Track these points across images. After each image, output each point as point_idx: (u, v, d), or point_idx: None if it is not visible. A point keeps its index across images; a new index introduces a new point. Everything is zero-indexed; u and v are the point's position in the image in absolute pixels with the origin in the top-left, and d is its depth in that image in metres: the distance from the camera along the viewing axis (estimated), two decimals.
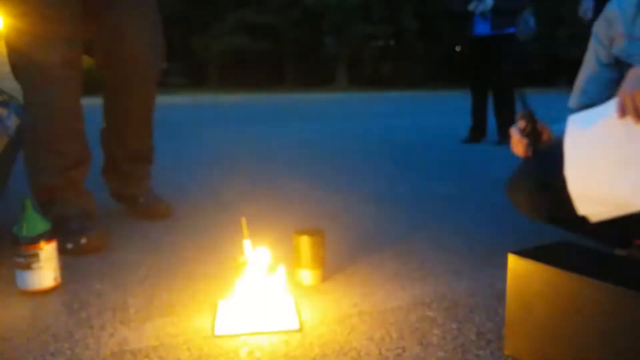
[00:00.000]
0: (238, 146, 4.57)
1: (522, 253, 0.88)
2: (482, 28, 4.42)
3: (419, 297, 1.21)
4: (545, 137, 1.29)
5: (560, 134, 1.23)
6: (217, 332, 1.03)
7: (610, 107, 1.07)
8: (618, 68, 1.40)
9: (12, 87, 1.67)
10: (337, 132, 5.84)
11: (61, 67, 1.60)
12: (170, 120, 6.70)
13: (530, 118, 1.27)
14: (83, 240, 1.54)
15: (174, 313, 1.13)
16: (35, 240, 1.22)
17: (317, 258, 1.28)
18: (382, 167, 3.35)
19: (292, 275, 1.27)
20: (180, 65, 25.37)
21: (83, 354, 0.96)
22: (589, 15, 3.22)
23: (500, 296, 1.19)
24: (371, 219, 1.97)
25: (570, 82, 1.40)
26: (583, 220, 1.15)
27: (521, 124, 1.27)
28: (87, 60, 1.83)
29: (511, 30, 4.36)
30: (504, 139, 4.45)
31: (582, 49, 1.49)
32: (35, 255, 1.22)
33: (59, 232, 1.40)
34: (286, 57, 27.51)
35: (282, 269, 1.13)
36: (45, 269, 1.23)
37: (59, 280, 1.28)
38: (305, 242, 1.27)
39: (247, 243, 1.17)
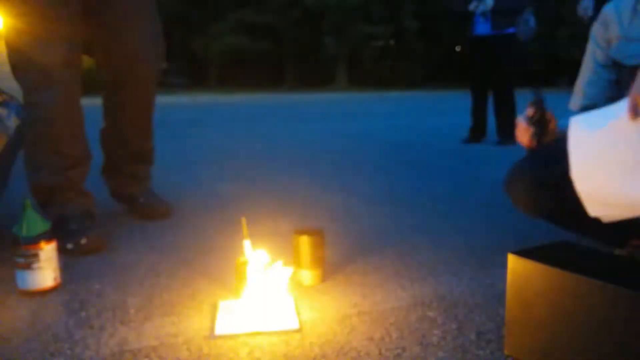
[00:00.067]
0: (238, 146, 4.57)
1: (522, 253, 0.88)
2: (482, 28, 4.42)
3: (419, 297, 1.21)
4: (552, 125, 1.28)
5: (564, 128, 1.22)
6: (217, 332, 1.03)
7: (619, 109, 1.04)
8: (616, 69, 1.41)
9: (12, 87, 1.68)
10: (337, 132, 5.84)
11: (61, 67, 1.60)
12: (170, 120, 6.70)
13: (541, 106, 1.24)
14: (83, 241, 1.54)
15: (174, 313, 1.13)
16: (35, 240, 1.22)
17: (317, 258, 1.28)
18: (382, 167, 3.35)
19: (292, 275, 1.27)
20: (180, 65, 25.36)
21: (83, 354, 0.96)
22: (589, 12, 3.21)
23: (500, 296, 1.19)
24: (371, 219, 1.97)
25: (570, 82, 1.40)
26: (580, 218, 1.15)
27: (530, 111, 1.25)
28: (87, 60, 1.83)
29: (511, 30, 4.36)
30: (504, 139, 4.45)
31: (582, 49, 1.50)
32: (35, 255, 1.22)
33: (59, 232, 1.40)
34: (286, 57, 27.50)
35: (287, 269, 1.12)
36: (45, 269, 1.24)
37: (58, 280, 1.28)
38: (305, 242, 1.27)
39: (247, 243, 1.17)
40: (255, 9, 24.51)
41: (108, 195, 2.04)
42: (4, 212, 1.72)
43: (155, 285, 1.30)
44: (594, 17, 1.65)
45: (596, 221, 1.11)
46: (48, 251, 1.24)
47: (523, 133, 1.28)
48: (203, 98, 15.62)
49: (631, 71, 1.37)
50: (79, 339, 1.01)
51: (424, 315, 1.11)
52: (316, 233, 1.29)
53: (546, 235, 1.61)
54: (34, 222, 1.24)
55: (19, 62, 1.61)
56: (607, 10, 1.41)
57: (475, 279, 1.32)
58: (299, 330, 1.03)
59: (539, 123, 1.26)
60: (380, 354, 0.95)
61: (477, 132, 4.67)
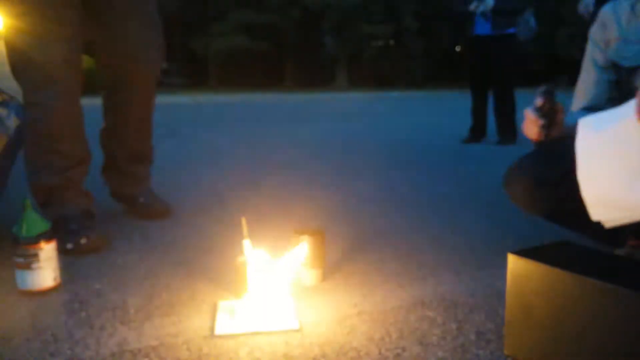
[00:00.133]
0: (238, 146, 4.57)
1: (522, 253, 0.88)
2: (482, 28, 4.42)
3: (418, 297, 1.21)
4: (560, 116, 1.26)
5: (569, 124, 1.21)
6: (217, 332, 1.03)
7: (627, 111, 1.03)
8: (615, 70, 1.41)
9: (12, 87, 1.67)
10: (336, 132, 5.84)
11: (61, 67, 1.60)
12: (170, 120, 6.70)
13: (551, 96, 1.20)
14: (83, 240, 1.54)
15: (174, 313, 1.13)
16: (35, 240, 1.22)
17: (317, 258, 1.28)
18: (382, 167, 3.34)
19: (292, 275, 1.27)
20: (180, 65, 25.38)
21: (83, 354, 0.96)
22: (590, 8, 3.19)
23: (500, 296, 1.19)
24: (371, 219, 1.97)
25: (570, 82, 1.40)
26: (580, 217, 1.15)
27: (539, 101, 1.20)
28: (87, 60, 1.83)
29: (512, 30, 4.36)
30: (504, 139, 4.46)
31: (582, 49, 1.50)
32: (35, 255, 1.22)
33: (58, 232, 1.40)
34: (286, 57, 27.52)
35: (289, 268, 1.12)
36: (45, 269, 1.23)
37: (58, 280, 1.28)
38: (305, 242, 1.27)
39: (247, 243, 1.17)
40: (255, 9, 24.52)
41: (108, 195, 2.04)
42: (4, 212, 1.72)
43: (155, 285, 1.30)
44: (595, 14, 1.65)
45: (594, 222, 1.11)
46: (48, 251, 1.24)
47: (531, 125, 1.23)
48: (203, 98, 15.62)
49: (629, 72, 1.38)
50: (79, 339, 1.01)
51: (423, 315, 1.11)
52: (316, 233, 1.29)
53: (546, 235, 1.60)
54: (34, 222, 1.24)
55: (19, 62, 1.61)
56: (605, 11, 1.42)
57: (475, 279, 1.32)
58: (299, 330, 1.03)
59: (549, 114, 1.20)
60: (380, 353, 0.95)
61: (477, 132, 4.67)
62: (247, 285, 1.11)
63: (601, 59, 1.43)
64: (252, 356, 0.94)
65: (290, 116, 8.79)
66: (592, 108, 1.42)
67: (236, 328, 1.04)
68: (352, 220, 1.95)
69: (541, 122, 1.21)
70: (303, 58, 27.33)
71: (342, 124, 6.96)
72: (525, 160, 1.38)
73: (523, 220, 1.78)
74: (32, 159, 1.69)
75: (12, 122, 1.64)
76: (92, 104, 2.42)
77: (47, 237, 1.25)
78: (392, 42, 27.93)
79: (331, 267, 1.39)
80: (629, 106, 1.02)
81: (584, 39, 1.50)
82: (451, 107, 10.26)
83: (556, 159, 1.29)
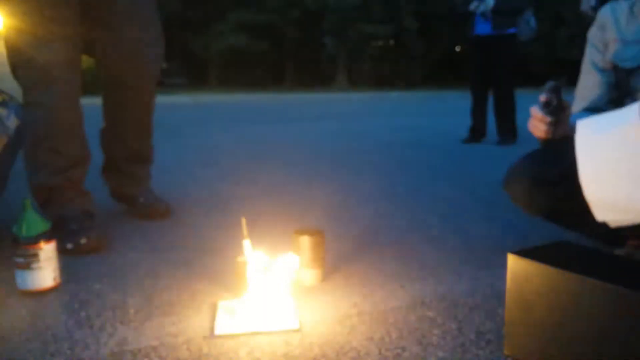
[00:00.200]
0: (238, 146, 4.57)
1: (521, 253, 0.88)
2: (483, 28, 4.42)
3: (418, 297, 1.21)
4: (567, 112, 1.23)
5: (573, 123, 1.21)
6: (217, 332, 1.03)
7: (628, 113, 1.02)
8: (614, 72, 1.41)
9: (12, 87, 1.68)
10: (336, 132, 5.84)
11: (61, 67, 1.60)
12: (170, 120, 6.70)
13: (559, 93, 1.18)
14: (83, 240, 1.54)
15: (174, 313, 1.13)
16: (34, 240, 1.22)
17: (317, 258, 1.28)
18: (382, 167, 3.35)
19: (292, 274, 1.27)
20: (180, 65, 25.38)
21: (83, 354, 0.96)
22: (592, 3, 3.16)
23: (500, 296, 1.19)
24: (371, 219, 1.97)
25: (570, 82, 1.39)
26: (579, 217, 1.15)
27: (546, 98, 1.18)
28: (87, 60, 1.83)
29: (512, 30, 4.36)
30: (504, 139, 4.46)
31: (582, 49, 1.50)
32: (35, 255, 1.22)
33: (58, 232, 1.39)
34: (286, 57, 27.51)
35: (289, 267, 1.12)
36: (45, 269, 1.23)
37: (58, 280, 1.28)
38: (305, 242, 1.27)
39: (246, 243, 1.17)
40: (255, 9, 24.51)
41: (108, 195, 2.04)
42: (4, 212, 1.72)
43: (155, 285, 1.30)
44: (597, 9, 1.64)
45: (594, 220, 1.11)
46: (48, 251, 1.24)
47: (539, 123, 1.22)
48: (203, 98, 15.62)
49: (628, 73, 1.38)
50: (79, 339, 1.01)
51: (423, 315, 1.11)
52: (316, 233, 1.29)
53: (546, 235, 1.61)
54: (34, 222, 1.24)
55: (19, 61, 1.61)
56: (604, 13, 1.42)
57: (475, 279, 1.32)
58: (298, 330, 1.03)
59: (556, 111, 1.18)
60: (380, 353, 0.95)
61: (477, 132, 4.67)
62: (247, 285, 1.11)
63: (600, 61, 1.43)
64: (252, 356, 0.94)
65: (290, 116, 8.79)
66: (593, 109, 1.43)
67: (236, 328, 1.04)
68: (352, 220, 1.95)
69: (549, 119, 1.20)
70: (303, 58, 27.33)
71: (342, 123, 6.96)
72: (525, 160, 1.38)
73: (523, 220, 1.78)
74: (32, 159, 1.69)
75: (12, 122, 1.64)
76: (92, 104, 2.42)
77: (47, 237, 1.25)
78: (392, 42, 27.93)
79: (331, 267, 1.39)
80: (631, 109, 1.02)
81: (584, 39, 1.50)
82: (451, 107, 10.27)
83: (555, 159, 1.29)
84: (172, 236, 1.74)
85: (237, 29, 24.26)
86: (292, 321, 1.06)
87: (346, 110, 10.16)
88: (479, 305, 1.16)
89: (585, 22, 3.13)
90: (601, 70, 1.43)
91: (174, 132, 5.40)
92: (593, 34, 1.45)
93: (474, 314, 1.12)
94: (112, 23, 1.72)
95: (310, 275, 1.28)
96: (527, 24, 4.35)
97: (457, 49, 23.96)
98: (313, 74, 26.88)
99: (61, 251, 1.39)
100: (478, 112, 4.69)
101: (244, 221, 1.18)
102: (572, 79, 1.53)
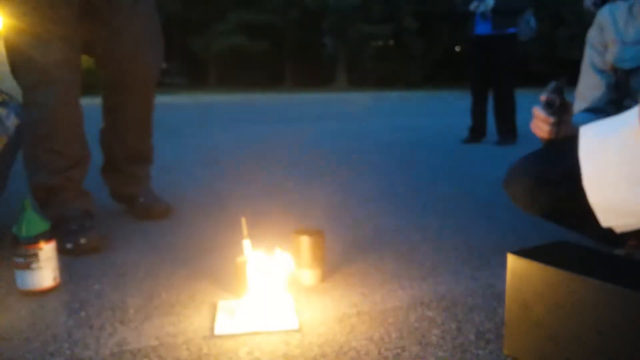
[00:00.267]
0: (238, 146, 4.57)
1: (521, 253, 0.88)
2: (483, 28, 4.42)
3: (418, 297, 1.21)
4: (570, 113, 1.23)
5: (575, 124, 1.20)
6: (217, 332, 1.03)
7: (629, 118, 1.02)
8: (614, 73, 1.41)
9: (12, 87, 1.67)
10: (336, 132, 5.84)
11: (60, 66, 1.60)
12: (170, 120, 6.70)
13: (561, 93, 1.18)
14: (82, 240, 1.54)
15: (174, 313, 1.13)
16: (34, 240, 1.22)
17: (317, 258, 1.28)
18: (382, 167, 3.35)
19: (292, 274, 1.27)
20: (179, 65, 25.39)
21: (82, 354, 0.96)
22: None
23: (500, 296, 1.19)
24: (371, 219, 1.97)
25: (570, 82, 1.39)
26: (579, 217, 1.15)
27: (549, 98, 1.18)
28: (87, 60, 1.83)
29: (512, 30, 4.36)
30: (504, 139, 4.46)
31: (582, 49, 1.50)
32: (35, 255, 1.22)
33: (58, 232, 1.40)
34: (286, 57, 27.52)
35: (287, 266, 1.12)
36: (45, 269, 1.23)
37: (58, 280, 1.28)
38: (305, 242, 1.27)
39: (246, 243, 1.17)
40: (255, 9, 24.52)
41: (108, 195, 2.04)
42: (4, 212, 1.72)
43: (155, 285, 1.30)
44: (599, 5, 1.65)
45: (595, 220, 1.11)
46: (47, 251, 1.24)
47: (541, 124, 1.22)
48: (203, 98, 15.62)
49: (628, 74, 1.38)
50: (79, 339, 1.01)
51: (423, 315, 1.11)
52: (316, 233, 1.29)
53: (546, 235, 1.61)
54: (34, 222, 1.24)
55: (19, 61, 1.61)
56: (602, 14, 1.42)
57: (474, 279, 1.32)
58: (298, 330, 1.03)
59: (559, 111, 1.18)
60: (379, 353, 0.95)
61: (477, 132, 4.67)
62: (247, 285, 1.11)
63: (599, 62, 1.44)
64: (252, 356, 0.94)
65: (290, 116, 8.79)
66: (593, 110, 1.43)
67: (236, 328, 1.04)
68: (352, 220, 1.95)
69: (552, 119, 1.20)
70: (303, 58, 27.32)
71: (342, 124, 6.96)
72: (526, 160, 1.38)
73: (523, 220, 1.78)
74: (31, 159, 1.69)
75: (12, 122, 1.64)
76: (92, 104, 2.42)
77: (47, 237, 1.25)
78: (391, 42, 27.93)
79: (331, 267, 1.39)
80: (631, 114, 1.02)
81: (584, 39, 1.50)
82: (451, 107, 10.27)
83: (558, 158, 1.29)
84: (172, 236, 1.74)
85: (237, 29, 24.28)
86: (291, 321, 1.06)
87: (346, 110, 10.16)
88: (479, 305, 1.16)
89: (585, 21, 3.12)
90: (600, 72, 1.44)
91: (174, 132, 5.40)
92: (592, 35, 1.45)
93: (473, 314, 1.12)
94: (112, 23, 1.72)
95: (310, 275, 1.28)
96: (527, 24, 4.35)
97: (457, 49, 23.96)
98: (313, 74, 26.87)
99: (61, 251, 1.39)
100: (478, 112, 4.69)
101: (243, 221, 1.18)
102: (572, 78, 1.53)
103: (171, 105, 11.02)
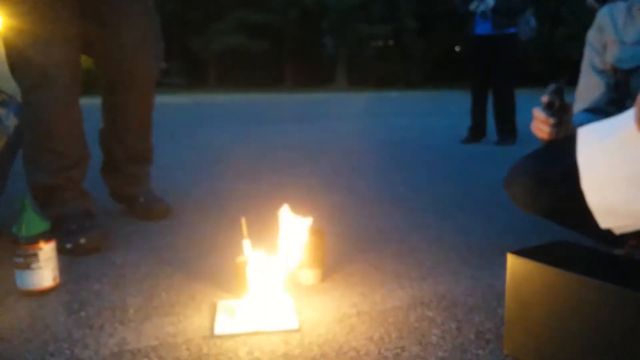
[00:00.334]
0: (238, 146, 4.57)
1: (521, 253, 0.88)
2: (483, 28, 4.42)
3: (418, 297, 1.21)
4: (570, 113, 1.23)
5: (575, 124, 1.20)
6: (217, 332, 1.03)
7: (627, 119, 1.01)
8: (613, 73, 1.41)
9: (12, 87, 1.68)
10: (336, 132, 5.85)
11: (60, 66, 1.59)
12: (169, 120, 6.70)
13: (561, 94, 1.19)
14: (82, 240, 1.54)
15: (174, 313, 1.13)
16: (34, 240, 1.22)
17: (317, 258, 1.28)
18: (382, 167, 3.35)
19: (292, 274, 1.27)
20: (179, 65, 25.39)
21: (82, 354, 0.96)
22: None
23: (500, 296, 1.19)
24: (371, 219, 1.97)
25: (570, 82, 1.39)
26: (579, 217, 1.15)
27: (549, 99, 1.19)
28: (87, 60, 1.83)
29: (512, 30, 4.36)
30: (504, 139, 4.46)
31: (582, 49, 1.50)
32: (35, 255, 1.22)
33: (58, 232, 1.39)
34: (286, 57, 27.53)
35: (287, 266, 1.12)
36: (45, 268, 1.23)
37: (58, 280, 1.28)
38: (305, 242, 1.27)
39: (246, 243, 1.17)
40: (255, 9, 24.52)
41: (108, 195, 2.04)
42: (4, 212, 1.72)
43: (154, 285, 1.30)
44: (601, 2, 1.65)
45: (595, 221, 1.11)
46: (47, 251, 1.24)
47: (542, 125, 1.22)
48: (202, 98, 15.62)
49: (627, 74, 1.38)
50: (79, 339, 1.01)
51: (423, 315, 1.11)
52: (316, 233, 1.29)
53: (546, 235, 1.61)
54: (33, 222, 1.24)
55: (18, 61, 1.61)
56: (602, 15, 1.43)
57: (474, 279, 1.32)
58: (298, 330, 1.03)
59: (559, 112, 1.18)
60: (379, 353, 0.95)
61: (476, 132, 4.67)
62: (247, 285, 1.11)
63: (599, 62, 1.44)
64: (252, 356, 0.94)
65: (290, 116, 8.79)
66: (593, 110, 1.43)
67: (236, 328, 1.04)
68: (352, 220, 1.95)
69: (552, 121, 1.20)
70: (303, 58, 27.34)
71: (342, 124, 6.97)
72: (526, 160, 1.38)
73: (523, 220, 1.78)
74: (31, 159, 1.69)
75: (12, 122, 1.64)
76: (92, 104, 2.42)
77: (47, 237, 1.25)
78: (391, 42, 27.94)
79: (331, 267, 1.39)
80: (629, 115, 1.02)
81: (583, 39, 1.50)
82: (451, 107, 10.27)
83: (557, 159, 1.29)
84: (172, 236, 1.74)
85: (236, 29, 24.29)
86: (291, 321, 1.06)
87: (346, 110, 10.16)
88: (479, 305, 1.16)
89: (585, 20, 3.12)
90: (600, 72, 1.44)
91: (174, 132, 5.40)
92: (592, 35, 1.45)
93: (473, 314, 1.12)
94: (111, 23, 1.72)
95: (310, 275, 1.28)
96: (527, 24, 4.36)
97: (457, 49, 23.96)
98: (313, 74, 26.88)
99: (61, 251, 1.39)
100: (478, 112, 4.69)
101: (243, 221, 1.18)
102: (572, 79, 1.53)
103: (171, 105, 11.02)
